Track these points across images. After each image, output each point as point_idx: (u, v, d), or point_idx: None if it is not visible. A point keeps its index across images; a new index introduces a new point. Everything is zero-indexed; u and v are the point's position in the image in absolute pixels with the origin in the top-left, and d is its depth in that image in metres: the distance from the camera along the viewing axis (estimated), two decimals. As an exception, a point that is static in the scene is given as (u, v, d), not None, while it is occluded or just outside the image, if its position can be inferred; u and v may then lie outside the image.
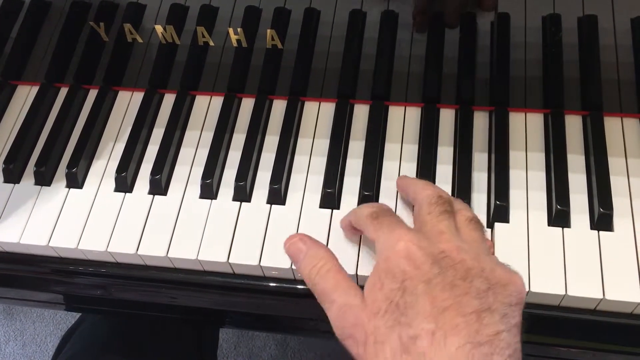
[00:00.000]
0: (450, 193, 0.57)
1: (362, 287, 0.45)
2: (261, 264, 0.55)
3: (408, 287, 0.42)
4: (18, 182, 0.63)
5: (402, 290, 0.42)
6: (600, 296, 0.50)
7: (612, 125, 0.59)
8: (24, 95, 0.69)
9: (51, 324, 1.50)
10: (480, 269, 0.42)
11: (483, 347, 0.39)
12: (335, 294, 0.45)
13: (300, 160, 0.61)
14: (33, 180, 0.62)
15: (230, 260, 0.55)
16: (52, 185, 0.62)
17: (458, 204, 0.50)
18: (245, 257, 0.55)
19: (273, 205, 0.58)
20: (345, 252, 0.54)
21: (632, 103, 0.59)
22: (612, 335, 0.54)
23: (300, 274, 0.49)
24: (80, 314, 0.85)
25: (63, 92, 0.68)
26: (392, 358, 0.41)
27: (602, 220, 0.53)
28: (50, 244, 0.58)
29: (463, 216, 0.48)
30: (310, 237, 0.51)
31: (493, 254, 0.53)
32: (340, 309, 0.45)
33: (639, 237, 0.52)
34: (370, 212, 0.49)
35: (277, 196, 0.58)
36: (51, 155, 0.63)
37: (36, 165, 0.62)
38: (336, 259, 0.48)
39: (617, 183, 0.55)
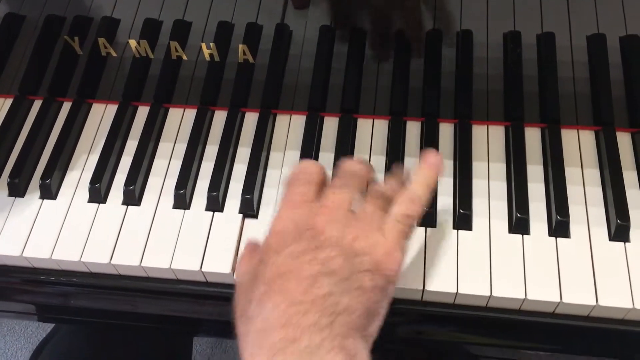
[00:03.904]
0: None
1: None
2: (234, 273, 0.56)
3: (264, 259, 0.46)
4: (-9, 194, 0.63)
5: (259, 262, 0.46)
6: (557, 299, 0.52)
7: (569, 137, 0.62)
8: (-3, 108, 0.70)
9: (22, 337, 1.48)
10: (339, 238, 0.45)
11: (300, 305, 0.42)
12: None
13: (271, 172, 0.62)
14: (7, 192, 0.63)
15: (203, 269, 0.56)
16: (25, 196, 0.63)
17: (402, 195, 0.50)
18: (218, 265, 0.56)
19: (245, 215, 0.59)
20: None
21: (588, 116, 0.62)
22: (572, 337, 0.57)
23: None
24: (53, 325, 0.85)
25: (37, 104, 0.69)
26: (240, 323, 0.45)
27: (559, 227, 0.56)
28: (24, 254, 0.58)
29: (372, 189, 0.50)
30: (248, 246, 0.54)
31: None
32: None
33: (594, 243, 0.55)
34: (288, 176, 0.51)
35: (249, 206, 0.59)
36: (25, 167, 0.63)
37: (10, 176, 0.63)
38: (249, 249, 0.51)
39: (573, 192, 0.58)
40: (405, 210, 0.48)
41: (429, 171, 0.51)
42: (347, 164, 0.52)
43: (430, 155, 0.52)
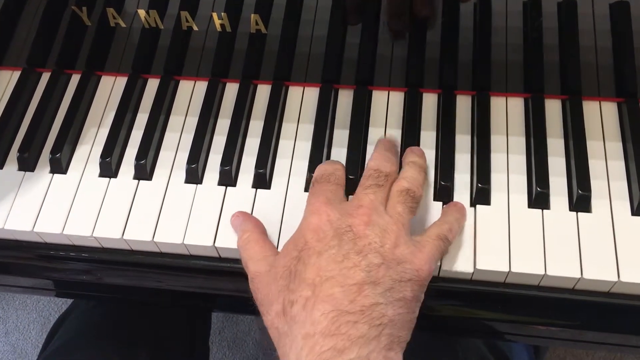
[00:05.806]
0: (433, 176, 0.58)
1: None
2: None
3: (303, 257, 0.46)
4: (1, 168, 0.62)
5: (297, 259, 0.46)
6: (578, 275, 0.51)
7: (591, 109, 0.60)
8: (6, 81, 0.68)
9: (34, 311, 1.49)
10: (380, 244, 0.45)
11: (349, 315, 0.42)
12: (249, 263, 0.50)
13: (285, 145, 0.61)
14: (16, 166, 0.62)
15: (216, 244, 0.55)
16: (35, 170, 0.62)
17: (408, 171, 0.52)
18: (231, 241, 0.55)
19: (258, 190, 0.58)
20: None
21: (610, 87, 0.60)
22: (589, 313, 0.56)
23: None
24: (72, 300, 0.85)
25: (45, 77, 0.68)
26: (275, 318, 0.45)
27: (580, 201, 0.54)
28: (35, 229, 0.58)
29: (397, 186, 0.51)
30: (244, 212, 0.55)
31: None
32: (252, 277, 0.50)
33: (616, 218, 0.54)
34: (314, 176, 0.52)
35: (262, 180, 0.58)
36: (34, 141, 0.63)
37: (19, 150, 0.62)
38: (259, 231, 0.53)
39: (595, 166, 0.56)
40: (447, 232, 0.50)
41: (461, 215, 0.54)
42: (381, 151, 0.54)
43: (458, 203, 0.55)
